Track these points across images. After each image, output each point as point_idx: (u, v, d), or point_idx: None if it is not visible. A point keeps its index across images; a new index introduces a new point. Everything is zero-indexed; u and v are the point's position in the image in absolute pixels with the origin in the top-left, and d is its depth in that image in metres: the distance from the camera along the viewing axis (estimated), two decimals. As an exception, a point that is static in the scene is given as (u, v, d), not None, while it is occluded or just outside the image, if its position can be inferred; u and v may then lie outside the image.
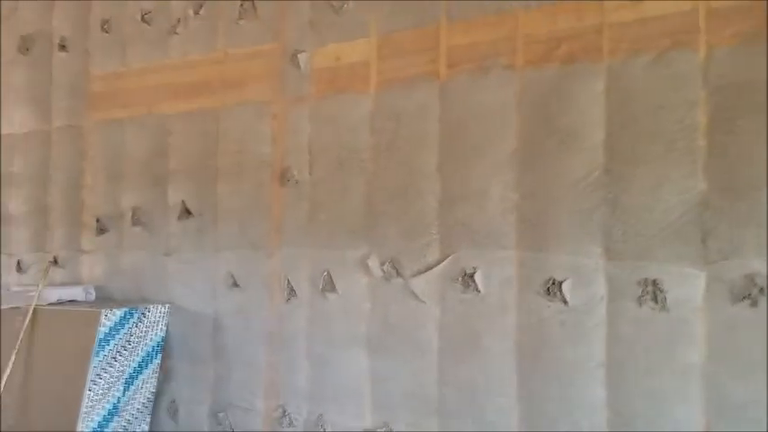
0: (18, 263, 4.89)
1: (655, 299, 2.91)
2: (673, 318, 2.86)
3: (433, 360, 3.34)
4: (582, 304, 3.04)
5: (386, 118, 3.55)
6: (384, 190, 3.52)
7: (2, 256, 4.99)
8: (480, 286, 3.24)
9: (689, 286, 2.83)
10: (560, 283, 3.07)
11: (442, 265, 3.34)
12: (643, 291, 2.94)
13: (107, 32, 4.59)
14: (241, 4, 4.04)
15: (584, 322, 3.04)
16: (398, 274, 3.46)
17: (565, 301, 3.07)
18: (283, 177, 3.86)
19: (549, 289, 3.11)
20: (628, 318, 2.96)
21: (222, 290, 4.05)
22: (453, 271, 3.31)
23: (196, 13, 4.22)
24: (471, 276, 3.26)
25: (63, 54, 4.79)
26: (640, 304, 2.94)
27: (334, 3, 3.71)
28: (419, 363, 3.38)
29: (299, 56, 3.82)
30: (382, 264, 3.50)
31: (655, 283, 2.91)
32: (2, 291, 4.58)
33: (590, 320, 3.03)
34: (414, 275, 3.42)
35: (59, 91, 4.80)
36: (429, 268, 3.37)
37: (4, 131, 5.04)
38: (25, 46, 4.97)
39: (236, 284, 4.00)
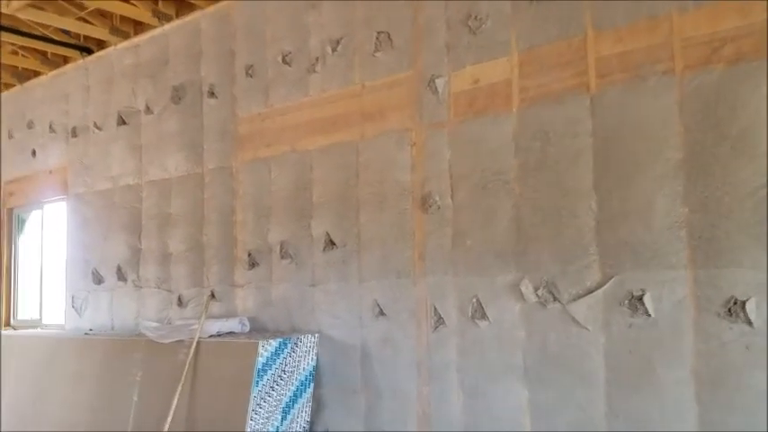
0: (179, 298, 5.20)
1: None
2: None
3: (600, 391, 3.13)
4: (771, 326, 2.73)
5: (531, 137, 3.43)
6: (534, 211, 3.39)
7: (164, 292, 5.34)
8: (650, 310, 3.00)
9: None
10: (743, 303, 2.78)
11: (604, 288, 3.13)
12: (841, 308, 2.60)
13: (251, 77, 4.84)
14: (377, 37, 4.12)
15: (774, 346, 2.72)
16: (555, 298, 3.29)
17: (749, 322, 2.77)
18: (425, 204, 3.84)
19: (729, 309, 2.82)
20: (827, 340, 2.62)
21: (369, 319, 4.06)
22: (618, 294, 3.10)
23: (334, 50, 4.35)
24: (639, 299, 3.03)
25: (212, 101, 5.11)
26: (840, 324, 2.59)
27: (472, 23, 3.67)
28: (584, 394, 3.17)
29: (436, 81, 3.81)
30: (536, 288, 3.36)
31: None
32: (166, 325, 4.88)
33: (781, 343, 2.71)
34: (572, 300, 3.23)
35: (210, 135, 5.11)
36: (589, 292, 3.18)
37: (160, 176, 5.44)
38: (178, 96, 5.36)
39: (382, 313, 4.00)
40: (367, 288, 4.10)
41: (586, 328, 3.18)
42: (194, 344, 4.19)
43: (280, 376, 3.97)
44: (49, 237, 6.73)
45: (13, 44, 6.34)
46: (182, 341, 4.30)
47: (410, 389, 3.85)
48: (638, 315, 3.03)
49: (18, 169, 6.96)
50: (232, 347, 4.07)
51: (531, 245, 3.39)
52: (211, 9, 5.18)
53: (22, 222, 7.10)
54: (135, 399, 4.47)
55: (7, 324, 6.90)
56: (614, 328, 3.10)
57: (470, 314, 3.61)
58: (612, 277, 3.11)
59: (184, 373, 4.13)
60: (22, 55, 6.78)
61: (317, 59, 4.45)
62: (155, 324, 4.84)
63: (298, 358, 4.10)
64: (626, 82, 3.13)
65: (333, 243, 4.29)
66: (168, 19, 5.62)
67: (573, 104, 3.29)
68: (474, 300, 3.60)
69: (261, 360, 3.86)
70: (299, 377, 4.10)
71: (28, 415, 5.34)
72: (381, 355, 4.00)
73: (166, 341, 4.35)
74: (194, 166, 5.21)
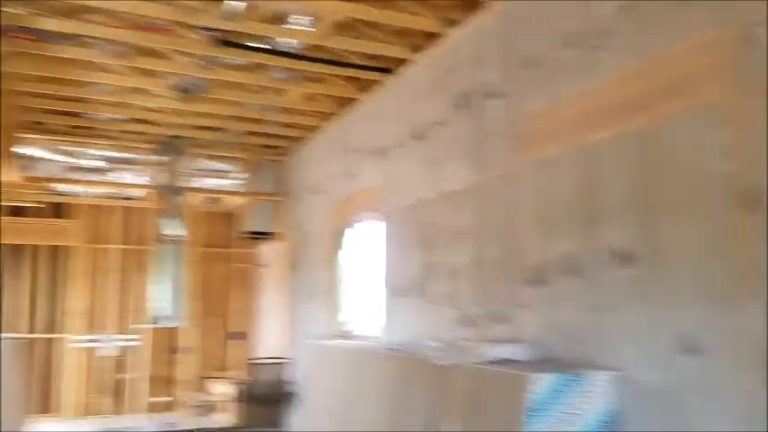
0: (464, 317, 4.85)
1: None
2: None
3: None
4: None
5: None
6: None
7: (450, 309, 5.05)
8: None
9: None
10: None
11: None
12: None
13: (533, 69, 4.27)
14: (674, -11, 3.17)
15: None
16: None
17: None
18: (752, 202, 2.75)
19: None
20: None
21: (677, 355, 3.09)
22: None
23: (622, 16, 3.51)
24: None
25: (494, 101, 4.67)
26: None
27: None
28: None
29: (756, 30, 2.72)
30: None
31: None
32: (448, 345, 4.58)
33: None
34: None
35: (492, 139, 4.68)
36: None
37: (449, 188, 5.21)
38: (462, 102, 5.07)
39: (696, 349, 3.00)
40: (675, 315, 3.14)
41: None
42: (468, 369, 3.75)
43: (558, 419, 3.27)
44: (362, 253, 7.11)
45: (328, 74, 6.89)
46: (458, 365, 3.91)
47: (739, 459, 2.78)
48: None
49: (341, 191, 7.55)
50: (503, 378, 3.51)
51: None
52: (498, 7, 4.75)
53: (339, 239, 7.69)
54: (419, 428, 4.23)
55: (332, 334, 7.48)
56: None
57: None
58: None
59: (456, 402, 3.72)
60: (342, 84, 7.34)
61: (602, 33, 3.66)
62: (436, 344, 4.57)
63: (582, 400, 3.33)
64: None
65: (627, 256, 3.43)
66: (453, 24, 5.40)
67: None
68: (839, 341, 2.40)
69: (533, 397, 3.22)
70: (583, 424, 3.33)
71: (338, 420, 5.64)
72: (698, 408, 2.99)
73: (442, 363, 4.01)
74: (477, 176, 4.83)
